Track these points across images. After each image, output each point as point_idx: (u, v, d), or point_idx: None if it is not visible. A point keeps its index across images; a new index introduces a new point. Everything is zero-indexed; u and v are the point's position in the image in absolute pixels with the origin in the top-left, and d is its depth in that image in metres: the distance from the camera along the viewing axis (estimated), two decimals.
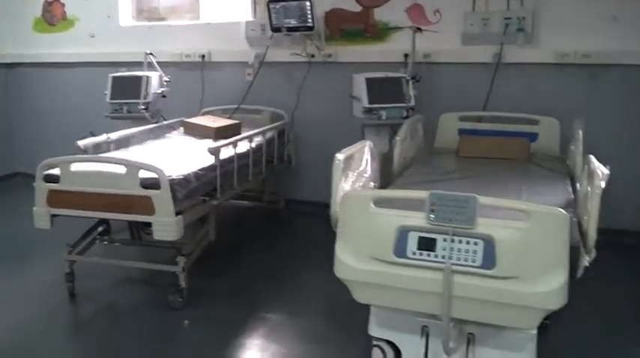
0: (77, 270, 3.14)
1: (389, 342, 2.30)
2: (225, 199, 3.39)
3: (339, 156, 2.24)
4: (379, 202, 2.10)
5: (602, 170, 2.02)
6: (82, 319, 3.04)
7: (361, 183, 2.39)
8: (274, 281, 3.33)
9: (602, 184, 1.95)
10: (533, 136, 3.57)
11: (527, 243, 1.82)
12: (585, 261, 1.96)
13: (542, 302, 1.84)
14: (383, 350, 2.31)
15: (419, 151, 3.50)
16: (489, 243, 1.85)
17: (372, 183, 2.53)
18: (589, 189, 2.05)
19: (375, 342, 2.33)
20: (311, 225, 4.09)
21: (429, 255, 1.92)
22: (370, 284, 2.04)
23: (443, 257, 1.90)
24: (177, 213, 2.81)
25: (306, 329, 2.79)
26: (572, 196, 2.54)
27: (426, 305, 1.99)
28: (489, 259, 1.86)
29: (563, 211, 1.80)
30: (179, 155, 3.45)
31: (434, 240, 1.91)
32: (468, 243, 1.88)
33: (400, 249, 1.95)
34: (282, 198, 4.49)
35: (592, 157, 2.22)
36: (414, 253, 1.94)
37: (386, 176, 2.88)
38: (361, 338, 2.34)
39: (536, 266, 1.83)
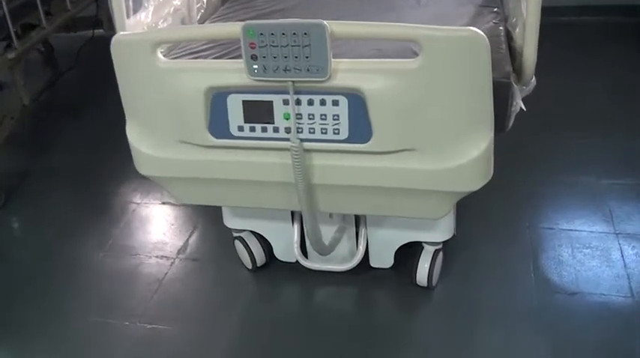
0: None
1: (253, 232, 1.69)
2: (30, 46, 2.42)
3: None
4: (179, 49, 1.27)
5: None
6: None
7: (170, 10, 1.50)
8: (125, 147, 2.50)
9: None
10: None
11: (423, 94, 1.05)
12: (520, 102, 1.22)
13: (454, 182, 1.15)
14: (245, 243, 1.68)
15: None
16: (358, 101, 1.07)
17: (196, 6, 1.64)
18: None
19: (235, 234, 1.70)
20: None
21: (264, 130, 1.15)
22: (186, 180, 1.29)
23: (287, 130, 1.13)
24: None
25: (165, 216, 2.07)
26: None
27: (276, 201, 1.29)
28: (360, 126, 1.10)
29: (479, 32, 1.00)
30: None
31: (269, 105, 1.13)
32: (322, 103, 1.10)
33: (218, 125, 1.17)
34: None
35: None
36: (240, 128, 1.16)
37: None
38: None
39: (439, 128, 1.09)
